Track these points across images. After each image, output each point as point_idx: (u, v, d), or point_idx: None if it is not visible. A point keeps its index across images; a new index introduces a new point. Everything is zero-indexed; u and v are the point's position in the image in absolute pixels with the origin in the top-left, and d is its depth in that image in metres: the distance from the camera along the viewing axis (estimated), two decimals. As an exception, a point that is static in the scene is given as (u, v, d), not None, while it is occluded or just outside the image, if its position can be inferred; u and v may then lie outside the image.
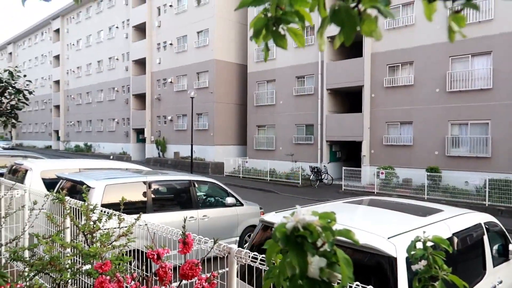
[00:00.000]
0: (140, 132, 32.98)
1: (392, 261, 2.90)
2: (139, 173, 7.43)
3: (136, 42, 32.44)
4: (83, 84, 40.39)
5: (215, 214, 7.20)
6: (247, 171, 22.42)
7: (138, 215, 2.86)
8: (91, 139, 39.24)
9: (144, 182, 6.67)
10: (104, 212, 2.97)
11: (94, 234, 2.49)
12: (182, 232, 1.80)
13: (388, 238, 3.09)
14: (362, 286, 1.97)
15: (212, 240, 1.92)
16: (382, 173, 16.95)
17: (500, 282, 4.27)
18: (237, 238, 7.45)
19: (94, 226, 2.48)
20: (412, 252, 0.91)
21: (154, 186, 6.83)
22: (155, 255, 1.89)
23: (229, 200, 7.65)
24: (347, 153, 22.56)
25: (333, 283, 0.57)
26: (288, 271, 0.58)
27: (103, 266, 1.76)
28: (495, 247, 4.56)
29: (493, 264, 4.25)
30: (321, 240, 0.58)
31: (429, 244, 0.93)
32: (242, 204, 7.84)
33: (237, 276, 2.55)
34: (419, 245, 0.96)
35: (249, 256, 2.21)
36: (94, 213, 2.62)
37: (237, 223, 7.50)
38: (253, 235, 3.98)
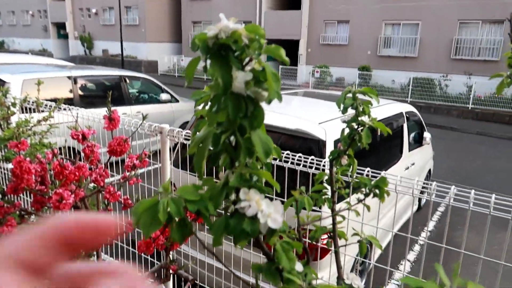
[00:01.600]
0: (61, 26, 29.60)
1: (322, 144, 3.06)
2: (63, 68, 6.81)
3: None
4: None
5: (150, 110, 6.98)
6: (183, 70, 21.66)
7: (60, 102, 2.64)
8: (3, 34, 34.69)
9: (69, 77, 6.16)
10: (19, 99, 2.70)
11: (9, 121, 2.27)
12: (108, 107, 1.69)
13: (319, 124, 3.22)
14: (292, 154, 2.06)
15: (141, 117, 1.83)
16: (317, 71, 17.31)
17: (413, 164, 4.77)
18: (174, 134, 7.41)
19: (9, 111, 2.25)
20: (343, 103, 0.91)
21: (80, 82, 6.35)
22: (80, 136, 1.78)
23: (164, 96, 7.42)
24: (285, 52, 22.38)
25: (260, 101, 0.52)
26: (212, 91, 0.52)
27: (19, 145, 1.63)
28: (412, 134, 5.01)
29: (409, 149, 4.69)
30: (248, 55, 0.51)
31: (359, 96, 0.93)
32: (177, 101, 7.67)
33: (170, 160, 2.55)
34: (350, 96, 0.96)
35: (182, 135, 2.18)
36: (6, 98, 2.37)
37: (173, 119, 7.40)
38: (188, 126, 3.94)
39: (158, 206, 0.49)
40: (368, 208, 0.82)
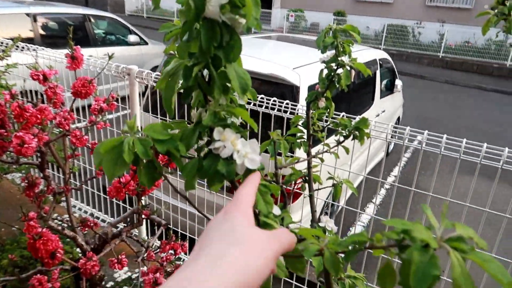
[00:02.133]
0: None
1: (296, 89, 3.02)
2: (21, 4, 6.26)
3: None
4: None
5: (117, 52, 6.64)
6: (152, 11, 20.53)
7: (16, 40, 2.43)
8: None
9: (28, 15, 5.69)
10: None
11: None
12: (69, 45, 1.56)
13: (293, 69, 3.16)
14: (267, 98, 2.02)
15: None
16: (291, 15, 16.82)
17: (383, 111, 4.84)
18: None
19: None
20: (323, 42, 0.85)
21: (41, 20, 5.88)
22: (41, 76, 1.65)
23: (132, 38, 7.04)
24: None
25: (237, 29, 0.45)
26: (183, 17, 0.45)
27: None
28: (384, 81, 5.02)
29: (380, 96, 4.73)
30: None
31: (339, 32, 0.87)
32: (146, 43, 7.31)
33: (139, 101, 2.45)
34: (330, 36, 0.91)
35: (151, 77, 2.07)
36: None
37: (143, 63, 7.09)
38: (158, 69, 3.78)
39: (123, 146, 0.44)
40: (347, 150, 0.80)
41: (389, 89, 5.19)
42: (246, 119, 0.52)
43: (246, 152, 0.48)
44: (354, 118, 1.99)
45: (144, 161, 0.47)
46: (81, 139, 1.73)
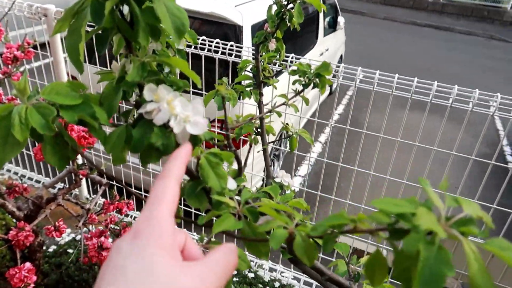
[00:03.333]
0: None
1: (239, 29, 2.84)
2: None
3: None
4: None
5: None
6: None
7: None
8: None
9: None
10: None
11: None
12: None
13: (235, 6, 2.96)
14: (209, 40, 1.86)
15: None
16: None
17: (327, 50, 4.79)
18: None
19: None
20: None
21: None
22: None
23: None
24: None
25: None
26: None
27: None
28: (327, 19, 4.92)
29: (324, 34, 4.65)
30: None
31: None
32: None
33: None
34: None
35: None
36: None
37: (66, 2, 6.34)
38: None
39: (11, 119, 0.31)
40: (307, 101, 0.71)
41: (332, 26, 5.12)
42: (184, 71, 0.40)
43: (186, 115, 0.36)
44: (299, 59, 1.90)
45: (50, 136, 0.34)
46: (-6, 95, 1.49)
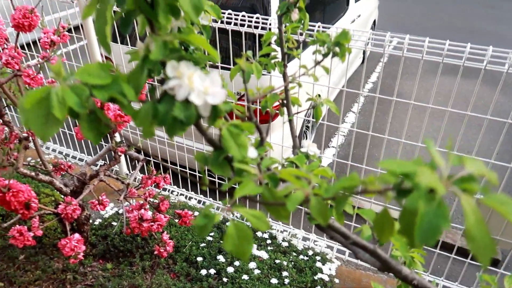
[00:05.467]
0: None
1: (266, 1, 2.80)
2: None
3: None
4: None
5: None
6: None
7: None
8: None
9: None
10: None
11: None
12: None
13: (262, -23, 2.90)
14: (234, 14, 1.86)
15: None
16: None
17: (359, 16, 4.63)
18: None
19: None
20: None
21: None
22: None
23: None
24: None
25: None
26: None
27: None
28: (358, -17, 4.73)
29: (355, 0, 4.49)
30: None
31: None
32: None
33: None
34: None
35: None
36: None
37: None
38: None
39: (50, 99, 0.35)
40: (327, 70, 0.71)
41: (363, -9, 4.92)
42: (205, 47, 0.42)
43: (205, 87, 0.39)
44: (329, 28, 1.87)
45: (85, 113, 0.38)
46: (36, 78, 1.58)
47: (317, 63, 0.68)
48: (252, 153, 0.43)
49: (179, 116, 0.38)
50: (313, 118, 3.28)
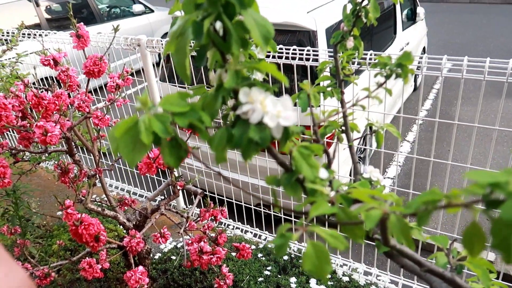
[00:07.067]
0: None
1: (313, 34, 2.86)
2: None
3: None
4: None
5: (125, 25, 6.51)
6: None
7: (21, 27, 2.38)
8: None
9: (29, 0, 5.62)
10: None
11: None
12: (72, 23, 1.49)
13: (308, 13, 2.98)
14: (286, 48, 1.91)
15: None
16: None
17: (407, 44, 4.57)
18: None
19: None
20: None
21: (43, 4, 5.80)
22: (51, 61, 1.60)
23: (137, 8, 6.86)
24: None
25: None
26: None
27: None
28: (405, 11, 4.70)
29: (403, 28, 4.45)
30: None
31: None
32: (152, 11, 7.12)
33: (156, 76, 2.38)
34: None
35: (162, 44, 1.99)
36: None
37: (152, 32, 6.95)
38: (168, 34, 3.67)
39: (138, 127, 0.38)
40: (390, 92, 0.71)
41: (411, 18, 4.87)
42: (274, 73, 0.44)
43: (278, 110, 0.41)
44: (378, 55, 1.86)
45: (166, 139, 0.41)
46: (103, 119, 1.70)
47: (380, 85, 0.68)
48: (323, 173, 0.44)
49: (254, 137, 0.39)
50: (365, 146, 3.21)
